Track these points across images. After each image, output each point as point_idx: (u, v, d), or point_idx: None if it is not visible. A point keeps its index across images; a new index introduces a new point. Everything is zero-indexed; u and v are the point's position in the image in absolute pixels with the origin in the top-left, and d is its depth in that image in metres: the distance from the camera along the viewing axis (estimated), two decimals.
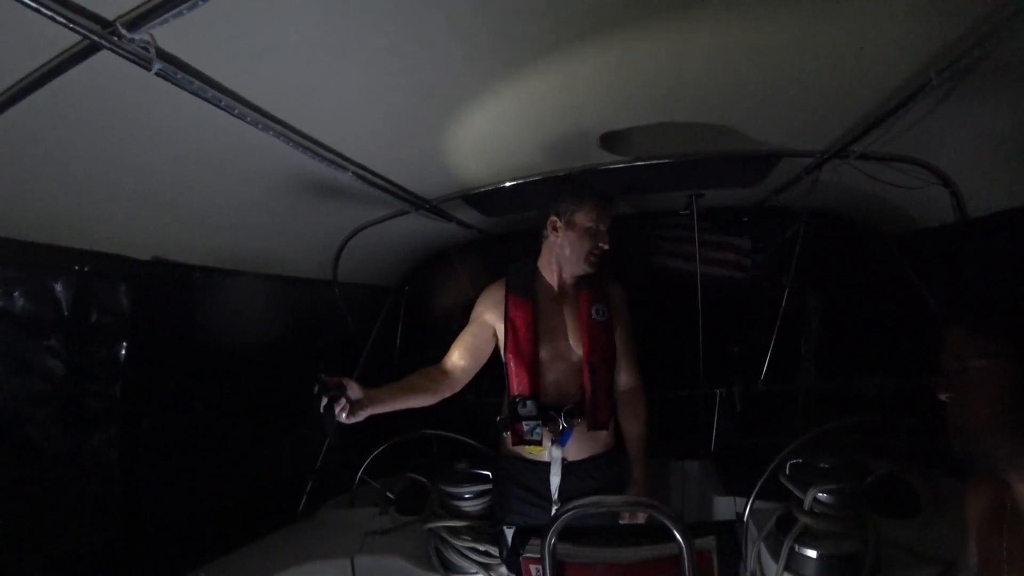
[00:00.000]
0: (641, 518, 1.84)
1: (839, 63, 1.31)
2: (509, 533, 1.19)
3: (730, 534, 1.18)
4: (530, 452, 1.85)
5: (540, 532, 1.19)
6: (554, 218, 1.87)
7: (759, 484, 2.00)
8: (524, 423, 1.82)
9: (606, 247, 1.84)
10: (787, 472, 1.81)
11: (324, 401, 1.44)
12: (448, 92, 1.37)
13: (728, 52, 1.26)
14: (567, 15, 1.10)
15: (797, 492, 1.73)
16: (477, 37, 1.13)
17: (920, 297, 2.42)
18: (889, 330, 2.82)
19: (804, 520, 1.68)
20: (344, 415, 1.49)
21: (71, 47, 0.92)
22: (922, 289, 2.42)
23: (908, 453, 2.18)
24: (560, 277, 1.94)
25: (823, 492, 1.68)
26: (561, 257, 1.90)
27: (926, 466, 2.05)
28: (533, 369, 1.86)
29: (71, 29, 0.83)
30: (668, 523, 1.07)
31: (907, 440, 2.24)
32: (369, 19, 1.01)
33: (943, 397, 1.09)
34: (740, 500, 2.30)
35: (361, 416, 1.54)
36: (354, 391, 1.53)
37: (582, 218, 1.82)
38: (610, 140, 1.76)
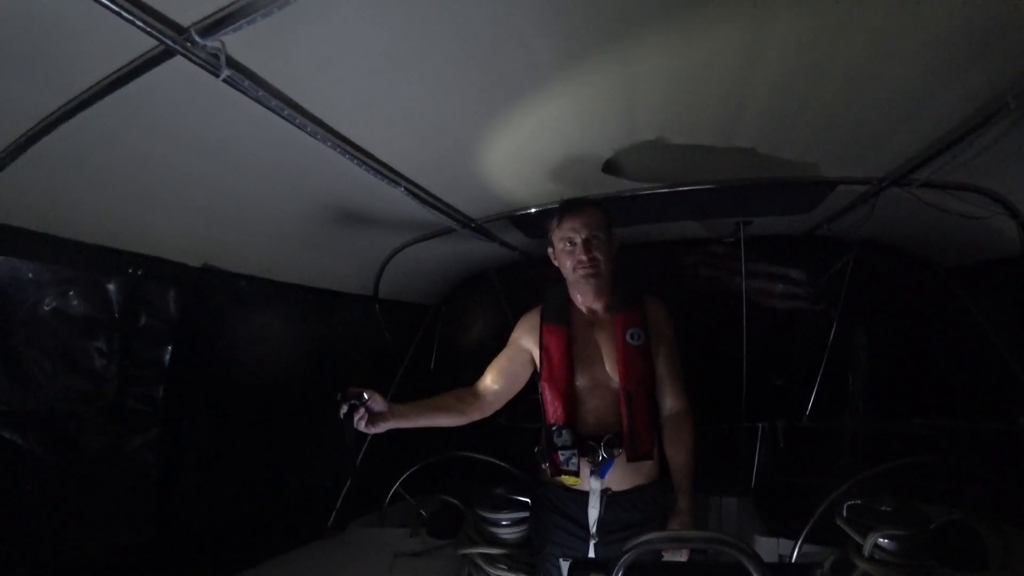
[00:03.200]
0: (684, 555, 1.75)
1: (907, 87, 1.26)
2: (565, 566, 1.12)
3: None
4: (569, 482, 1.79)
5: (600, 566, 1.12)
6: (550, 248, 1.87)
7: (810, 524, 1.88)
8: (560, 453, 1.77)
9: (586, 256, 1.75)
10: (844, 514, 1.70)
11: (344, 408, 1.52)
12: (504, 112, 1.36)
13: (792, 77, 1.23)
14: (630, 37, 1.08)
15: (856, 536, 1.62)
16: (537, 57, 1.13)
17: (980, 333, 2.30)
18: (945, 368, 2.67)
19: (863, 567, 1.57)
20: (363, 424, 1.53)
21: (146, 52, 0.95)
22: (984, 325, 2.30)
23: (972, 502, 2.03)
24: (584, 302, 1.90)
25: (885, 537, 1.57)
26: (567, 282, 1.89)
27: (994, 517, 1.90)
28: (568, 397, 1.80)
29: (148, 33, 0.85)
30: (747, 563, 1.00)
31: (972, 488, 2.09)
32: (433, 33, 1.02)
33: None
34: (784, 542, 2.18)
35: (381, 428, 1.58)
36: (376, 403, 1.56)
37: (557, 238, 1.81)
38: (663, 164, 1.73)
